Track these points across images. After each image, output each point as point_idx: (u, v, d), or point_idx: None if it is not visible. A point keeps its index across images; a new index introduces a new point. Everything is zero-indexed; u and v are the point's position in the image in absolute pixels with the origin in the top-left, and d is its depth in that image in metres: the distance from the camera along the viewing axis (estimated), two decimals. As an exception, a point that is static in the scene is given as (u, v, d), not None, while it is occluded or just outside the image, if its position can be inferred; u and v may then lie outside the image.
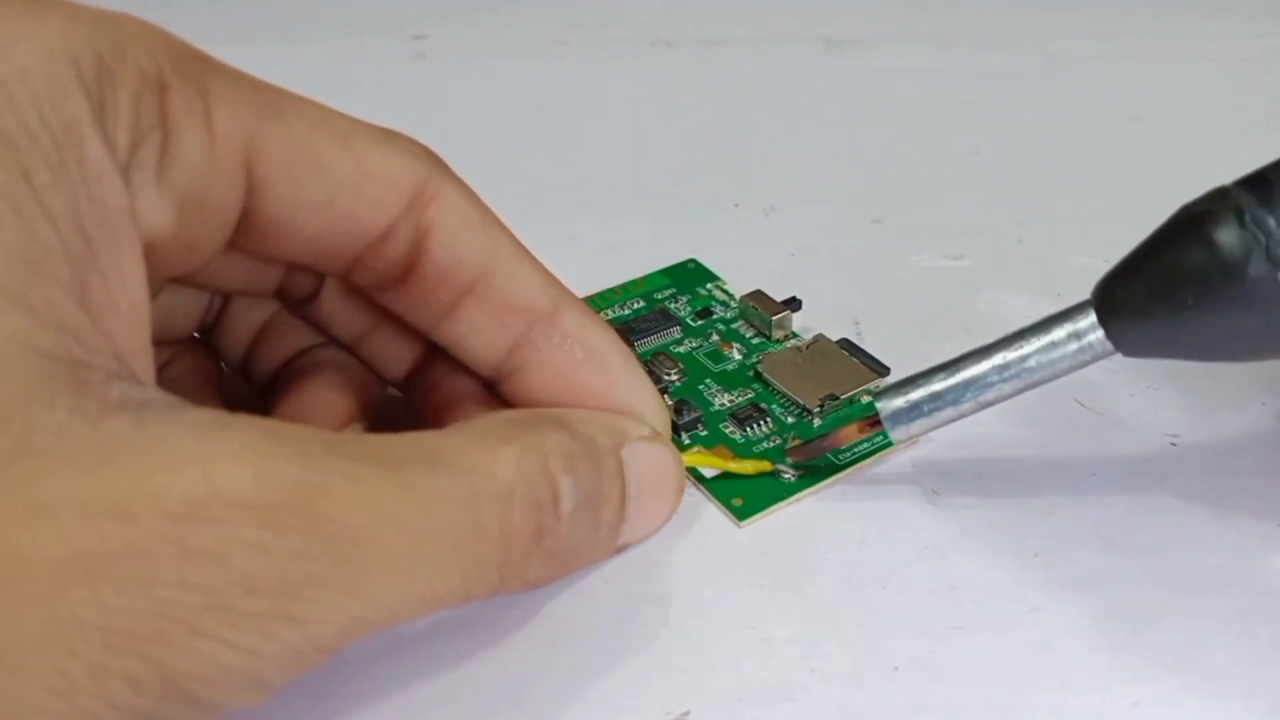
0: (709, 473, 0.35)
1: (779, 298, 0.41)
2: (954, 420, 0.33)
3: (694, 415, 0.37)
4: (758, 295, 0.41)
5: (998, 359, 0.32)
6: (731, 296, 0.43)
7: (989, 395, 0.32)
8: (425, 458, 0.27)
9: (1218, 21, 0.61)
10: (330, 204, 0.29)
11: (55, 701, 0.22)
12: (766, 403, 0.38)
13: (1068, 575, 0.33)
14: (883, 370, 0.38)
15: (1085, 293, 0.32)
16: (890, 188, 0.49)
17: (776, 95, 0.56)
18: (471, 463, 0.27)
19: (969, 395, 0.32)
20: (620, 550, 0.33)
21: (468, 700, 0.30)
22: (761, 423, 0.37)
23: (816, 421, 0.37)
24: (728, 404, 0.38)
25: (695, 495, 0.35)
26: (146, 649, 0.22)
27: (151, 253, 0.27)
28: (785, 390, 0.38)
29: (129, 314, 0.25)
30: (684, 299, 0.42)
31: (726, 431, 0.37)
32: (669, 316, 0.41)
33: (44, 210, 0.24)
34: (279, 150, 0.28)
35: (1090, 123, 0.54)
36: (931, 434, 0.35)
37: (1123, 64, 0.58)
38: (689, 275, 0.44)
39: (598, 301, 0.42)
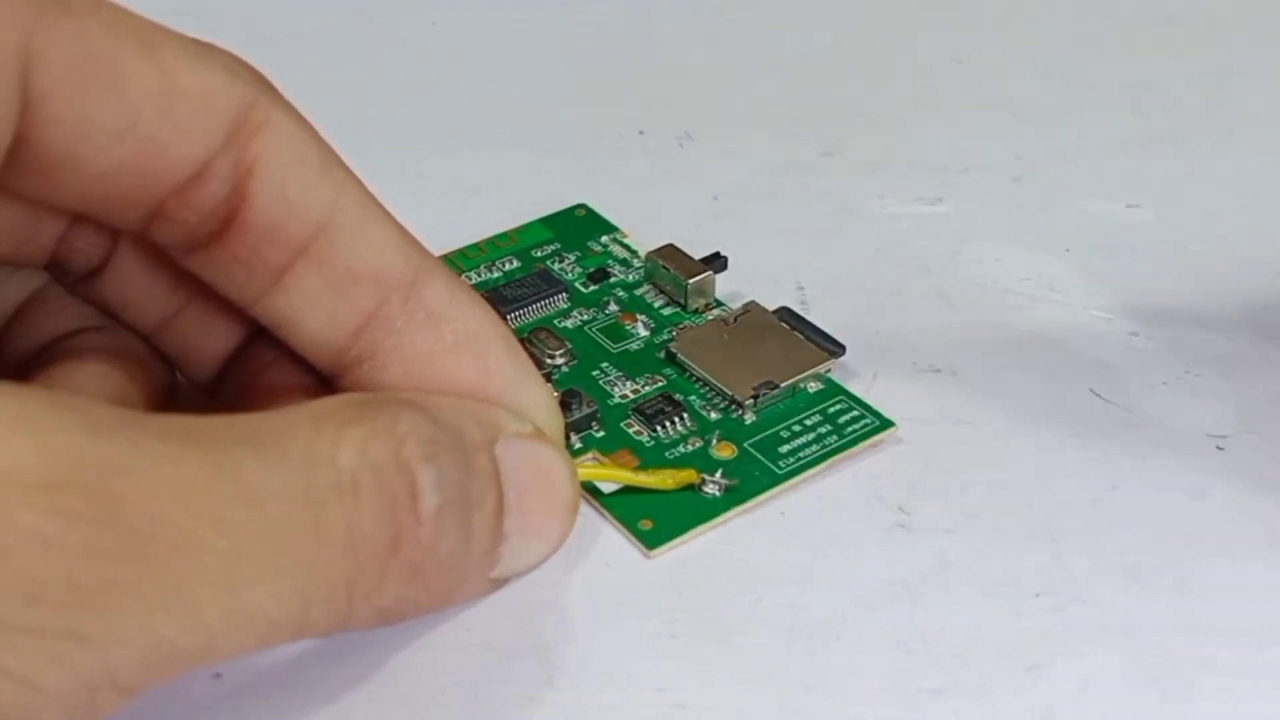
0: (608, 487, 0.35)
1: (697, 255, 0.41)
2: None
3: (587, 410, 0.37)
4: (669, 251, 0.41)
5: None
6: (635, 253, 0.43)
7: None
8: (248, 439, 0.26)
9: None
10: (130, 129, 0.28)
11: None
12: (683, 393, 0.38)
13: (1078, 622, 0.33)
14: (836, 350, 0.38)
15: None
16: (844, 109, 0.49)
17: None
18: (306, 447, 0.27)
19: None
20: (498, 584, 0.33)
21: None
22: (677, 420, 0.37)
23: (750, 417, 0.37)
24: (631, 395, 0.38)
25: (590, 514, 0.35)
26: None
27: None
28: (707, 376, 0.38)
29: None
30: (572, 257, 0.42)
31: (630, 431, 0.37)
32: (552, 280, 0.41)
33: None
34: (65, 57, 0.28)
35: (1110, 23, 0.54)
36: (900, 435, 0.35)
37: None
38: (578, 225, 0.44)
39: (457, 261, 0.42)
